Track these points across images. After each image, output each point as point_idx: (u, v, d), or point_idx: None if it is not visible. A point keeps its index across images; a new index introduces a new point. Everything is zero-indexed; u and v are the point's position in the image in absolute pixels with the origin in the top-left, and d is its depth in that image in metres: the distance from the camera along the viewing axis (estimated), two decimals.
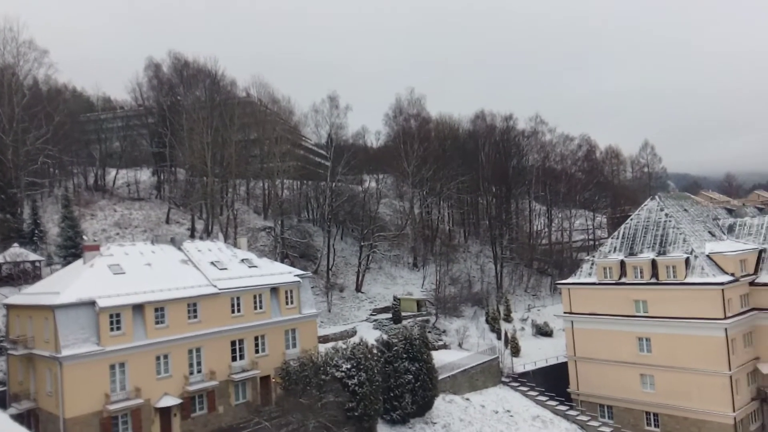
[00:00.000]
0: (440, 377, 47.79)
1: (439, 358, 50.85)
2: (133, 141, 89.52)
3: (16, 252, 54.03)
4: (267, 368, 41.81)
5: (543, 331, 73.47)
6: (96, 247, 40.51)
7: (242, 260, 45.46)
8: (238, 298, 41.42)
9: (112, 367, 34.67)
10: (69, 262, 49.14)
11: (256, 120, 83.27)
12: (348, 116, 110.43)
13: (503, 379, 56.90)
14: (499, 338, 67.90)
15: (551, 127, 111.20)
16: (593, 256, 59.64)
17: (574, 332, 57.25)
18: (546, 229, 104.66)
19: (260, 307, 42.57)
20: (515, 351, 64.39)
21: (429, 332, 61.27)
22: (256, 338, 42.12)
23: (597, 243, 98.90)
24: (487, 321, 73.03)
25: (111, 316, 34.76)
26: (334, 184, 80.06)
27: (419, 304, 72.35)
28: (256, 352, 41.97)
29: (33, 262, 54.77)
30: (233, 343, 40.77)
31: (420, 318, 68.39)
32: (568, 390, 57.31)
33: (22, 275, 52.29)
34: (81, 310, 34.19)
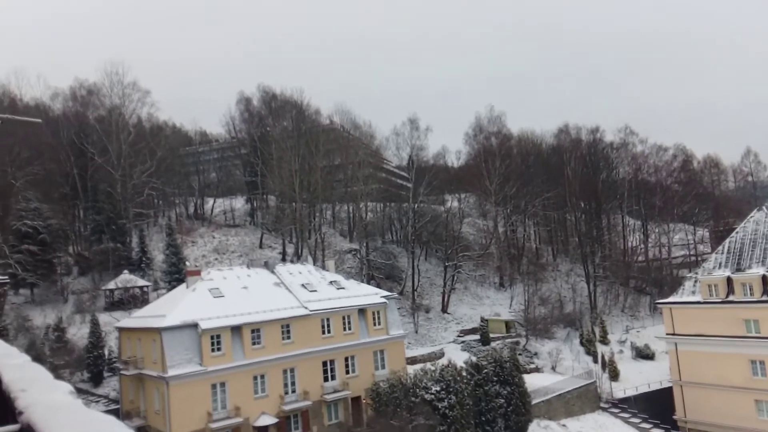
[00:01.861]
0: (533, 402, 46.18)
1: (531, 381, 49.18)
2: (227, 171, 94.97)
3: (126, 278, 58.59)
4: (357, 389, 42.32)
5: (643, 354, 69.22)
6: (197, 272, 43.14)
7: (330, 282, 46.61)
8: (328, 320, 42.44)
9: (214, 386, 36.46)
10: (173, 287, 52.54)
11: (340, 146, 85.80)
12: (428, 137, 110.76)
13: (602, 404, 54.09)
14: (595, 361, 64.71)
15: (642, 138, 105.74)
16: (696, 273, 55.81)
17: (678, 355, 53.55)
18: (642, 246, 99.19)
19: (349, 328, 43.34)
20: (614, 375, 61.08)
21: (519, 354, 59.53)
22: (346, 359, 42.84)
23: (699, 259, 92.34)
24: (581, 343, 69.89)
25: (212, 337, 36.72)
26: (416, 205, 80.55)
27: (508, 325, 70.57)
28: (347, 372, 42.63)
29: (141, 287, 59.11)
30: (324, 364, 41.69)
31: (509, 340, 66.65)
32: (675, 417, 53.50)
33: (132, 300, 56.52)
34: (185, 332, 36.38)
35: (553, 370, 61.97)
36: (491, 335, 65.95)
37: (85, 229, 72.30)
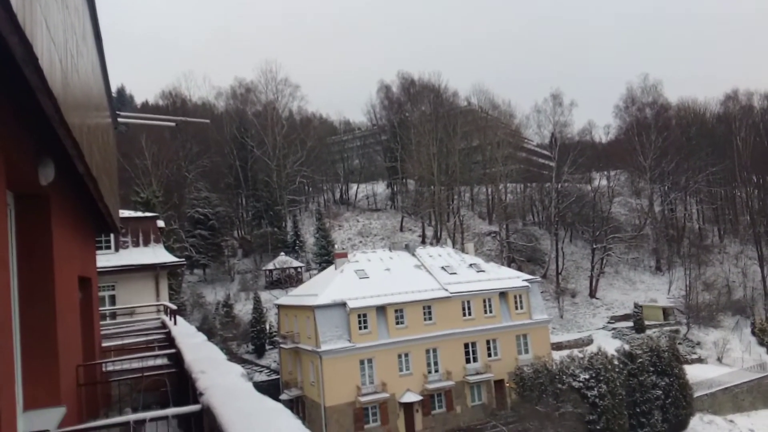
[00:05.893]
0: (696, 395, 42.73)
1: (693, 373, 45.49)
2: (369, 157, 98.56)
3: (283, 260, 63.74)
4: (500, 372, 42.12)
5: None
6: (344, 255, 45.68)
7: (470, 265, 46.67)
8: (468, 302, 42.65)
9: (362, 362, 38.57)
10: (323, 268, 56.23)
11: (478, 127, 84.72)
12: (573, 113, 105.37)
13: None
14: None
15: None
16: None
17: None
18: None
19: (490, 311, 43.18)
20: None
21: (679, 344, 54.96)
22: (488, 342, 42.78)
23: None
24: (753, 333, 62.70)
25: (359, 316, 38.80)
26: (560, 184, 77.19)
27: (666, 312, 65.46)
28: (489, 355, 42.61)
29: (295, 268, 63.95)
30: (466, 346, 42.05)
31: (667, 328, 61.83)
32: None
33: (288, 279, 61.45)
34: (335, 310, 38.85)
35: (719, 361, 56.49)
36: (646, 323, 61.80)
37: (246, 215, 79.61)
